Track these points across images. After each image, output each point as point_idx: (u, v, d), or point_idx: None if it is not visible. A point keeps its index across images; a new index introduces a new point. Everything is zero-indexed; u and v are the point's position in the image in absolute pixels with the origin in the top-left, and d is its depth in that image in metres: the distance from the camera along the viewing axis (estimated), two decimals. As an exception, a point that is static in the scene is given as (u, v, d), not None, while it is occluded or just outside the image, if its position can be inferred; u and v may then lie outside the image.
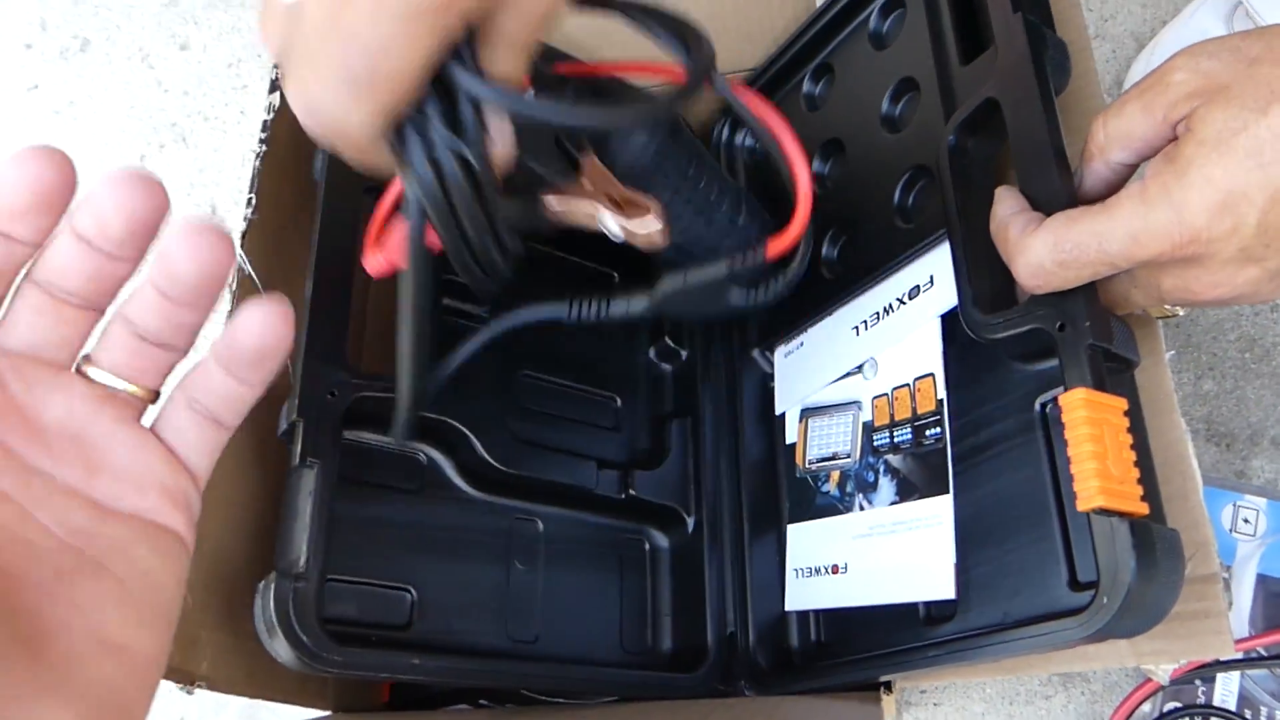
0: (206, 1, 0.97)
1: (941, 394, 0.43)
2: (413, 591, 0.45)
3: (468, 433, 0.47)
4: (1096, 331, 0.35)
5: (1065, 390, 0.34)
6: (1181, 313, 0.40)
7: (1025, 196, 0.38)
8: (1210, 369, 0.58)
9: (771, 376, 0.55)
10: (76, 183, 0.27)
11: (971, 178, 0.42)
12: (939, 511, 0.42)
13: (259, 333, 0.28)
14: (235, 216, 0.85)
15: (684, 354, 0.57)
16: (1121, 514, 0.32)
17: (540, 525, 0.50)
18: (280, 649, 0.38)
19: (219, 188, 0.88)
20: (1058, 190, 0.37)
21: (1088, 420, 0.33)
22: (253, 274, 0.46)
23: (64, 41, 0.99)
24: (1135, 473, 0.33)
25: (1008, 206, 0.37)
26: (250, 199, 0.48)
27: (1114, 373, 0.35)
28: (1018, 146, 0.39)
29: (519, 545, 0.49)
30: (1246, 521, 0.54)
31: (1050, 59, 0.40)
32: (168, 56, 0.96)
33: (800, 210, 0.43)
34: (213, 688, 0.41)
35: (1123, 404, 0.34)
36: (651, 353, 0.57)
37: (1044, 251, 0.35)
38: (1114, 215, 0.34)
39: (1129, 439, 0.33)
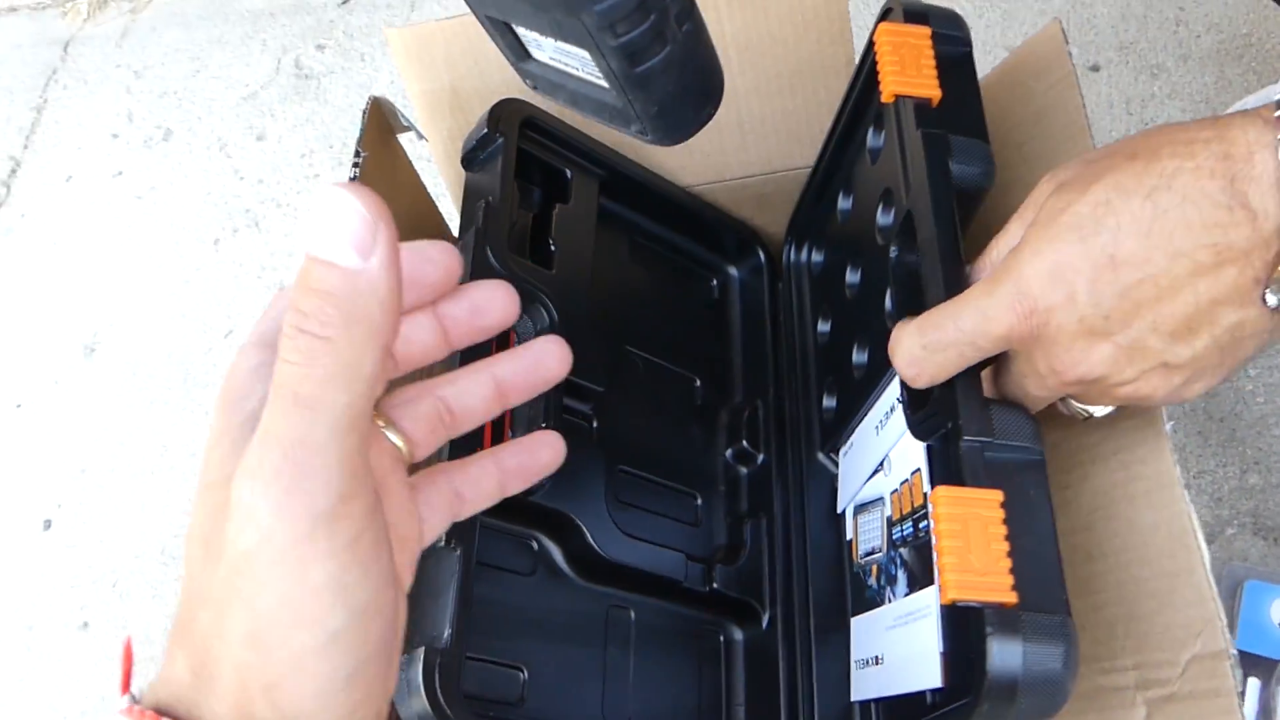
0: (282, 95, 1.04)
1: (926, 488, 0.45)
2: (524, 670, 0.48)
3: (579, 522, 0.50)
4: (970, 427, 0.37)
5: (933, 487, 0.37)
6: (1098, 414, 0.40)
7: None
8: (1255, 463, 0.62)
9: (837, 477, 0.59)
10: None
11: (913, 281, 0.45)
12: (928, 603, 0.44)
13: (547, 454, 0.33)
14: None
15: (760, 458, 0.61)
16: (984, 604, 0.34)
17: (632, 614, 0.54)
18: (417, 717, 0.41)
19: (289, 271, 0.93)
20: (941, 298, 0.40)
21: (948, 516, 0.36)
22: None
23: (148, 131, 1.05)
24: (1005, 563, 0.35)
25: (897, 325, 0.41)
26: None
27: (1008, 464, 0.37)
28: (923, 256, 0.43)
29: (614, 632, 0.53)
30: (1296, 617, 0.58)
31: (964, 165, 0.44)
32: (245, 146, 1.02)
33: None
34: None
35: (997, 496, 0.36)
36: (729, 454, 0.62)
37: (912, 340, 0.39)
38: (966, 298, 0.38)
39: (1002, 530, 0.35)
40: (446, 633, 0.42)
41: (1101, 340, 0.35)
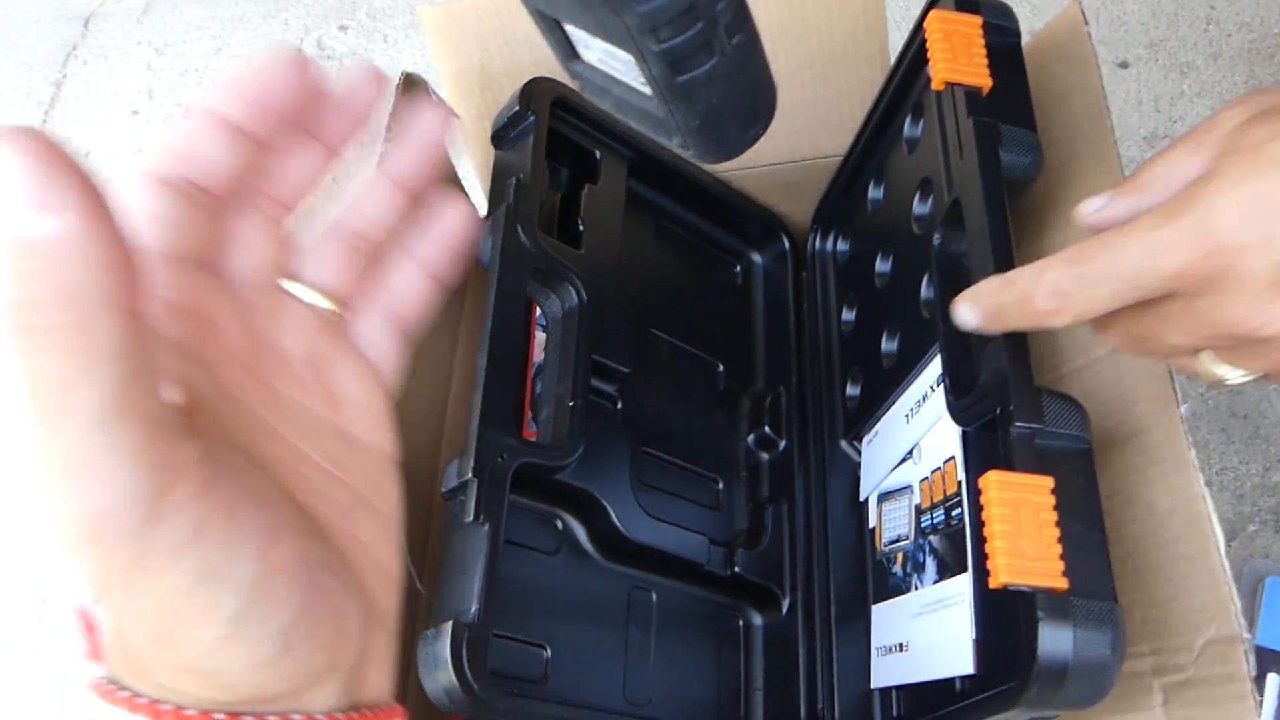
0: (306, 80, 1.04)
1: (961, 475, 0.45)
2: (547, 649, 0.48)
3: (604, 502, 0.50)
4: (1022, 414, 0.37)
5: (976, 475, 0.37)
6: (1234, 379, 0.36)
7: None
8: (1278, 461, 0.62)
9: (859, 465, 0.59)
10: (322, 99, 0.27)
11: (958, 270, 0.45)
12: (961, 589, 0.44)
13: (465, 227, 0.29)
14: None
15: (782, 444, 0.61)
16: (1035, 589, 0.34)
17: (654, 595, 0.54)
18: (443, 691, 0.41)
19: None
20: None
21: (999, 501, 0.35)
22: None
23: (169, 108, 1.05)
24: (1056, 549, 0.35)
25: (1007, 273, 0.37)
26: None
27: (1058, 452, 0.37)
28: (973, 244, 0.42)
29: (636, 613, 0.53)
30: (1321, 619, 0.58)
31: (1013, 154, 0.44)
32: (267, 129, 1.02)
33: None
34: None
35: (1048, 483, 0.36)
36: (751, 439, 0.62)
37: (1061, 272, 0.34)
38: (1132, 227, 0.32)
39: (1053, 516, 0.35)
40: (474, 608, 0.42)
41: None
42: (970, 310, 0.39)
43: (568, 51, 0.36)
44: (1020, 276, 0.36)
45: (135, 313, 0.20)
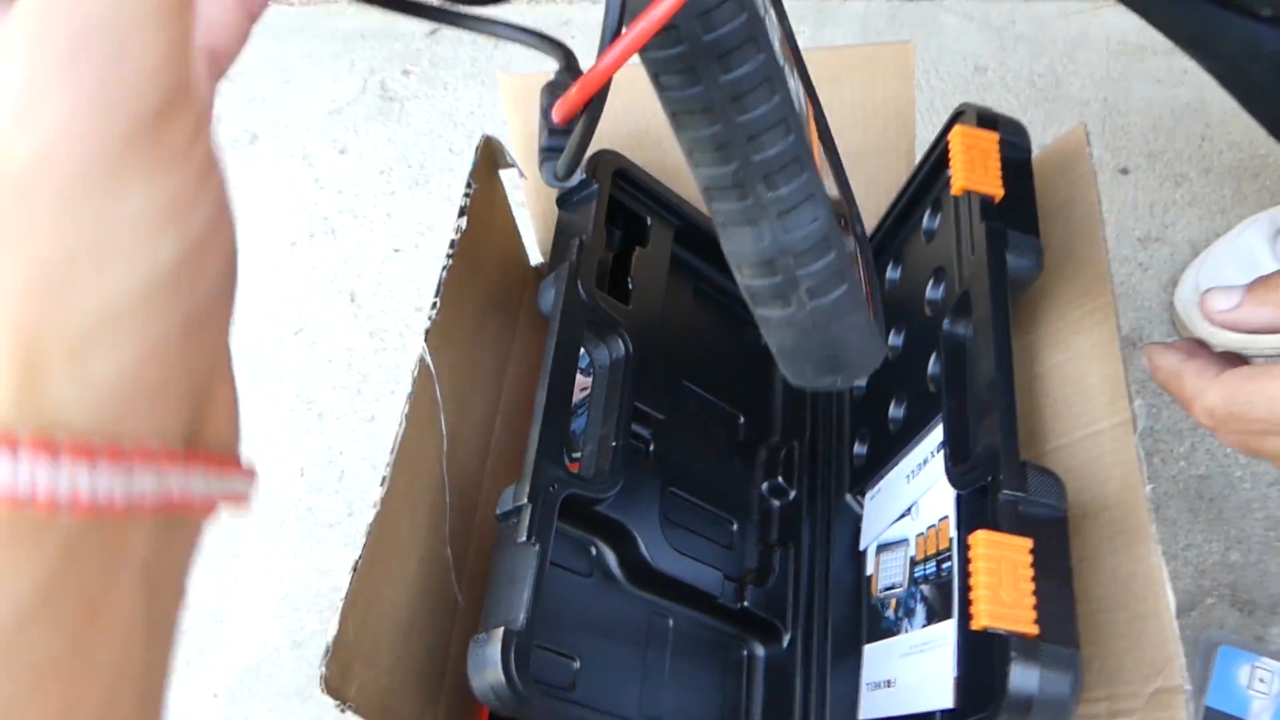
0: (366, 114, 1.11)
1: (953, 533, 0.51)
2: (577, 661, 0.54)
3: (635, 533, 0.57)
4: (1009, 483, 0.44)
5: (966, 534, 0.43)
6: None
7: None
8: (1238, 542, 0.68)
9: (861, 518, 0.65)
10: None
11: (962, 354, 0.52)
12: (946, 633, 0.50)
13: None
14: (372, 307, 0.96)
15: (792, 494, 0.68)
16: (1010, 632, 0.40)
17: (671, 621, 0.60)
18: (490, 688, 0.47)
19: (360, 279, 1.00)
20: (995, 383, 0.47)
21: (985, 556, 0.42)
22: (431, 364, 0.56)
23: (235, 133, 1.12)
24: (1030, 600, 0.41)
25: (1171, 358, 0.43)
26: (435, 302, 0.57)
27: (1037, 518, 0.44)
28: (978, 332, 0.50)
29: (655, 636, 0.59)
30: (1262, 681, 0.64)
31: (1018, 257, 0.51)
32: (327, 158, 1.09)
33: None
34: (355, 711, 0.49)
35: (1027, 544, 0.42)
36: (765, 487, 0.68)
37: (1219, 400, 0.40)
38: None
39: (1030, 572, 0.42)
40: (522, 617, 0.48)
41: None
42: (1150, 363, 0.45)
43: None
44: (1188, 382, 0.42)
45: None
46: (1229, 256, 0.75)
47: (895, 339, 0.65)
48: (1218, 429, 0.42)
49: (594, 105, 0.30)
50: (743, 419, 0.69)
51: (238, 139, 1.11)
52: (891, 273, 0.67)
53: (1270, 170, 0.81)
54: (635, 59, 0.28)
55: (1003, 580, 0.41)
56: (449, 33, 1.16)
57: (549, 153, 0.33)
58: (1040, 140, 0.90)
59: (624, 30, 0.27)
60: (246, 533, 0.86)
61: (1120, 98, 0.90)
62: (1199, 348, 0.44)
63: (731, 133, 0.30)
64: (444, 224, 1.00)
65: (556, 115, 0.30)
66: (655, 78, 0.30)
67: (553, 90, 0.35)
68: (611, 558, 0.58)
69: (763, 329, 0.34)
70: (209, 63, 0.25)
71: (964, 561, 0.45)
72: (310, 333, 0.96)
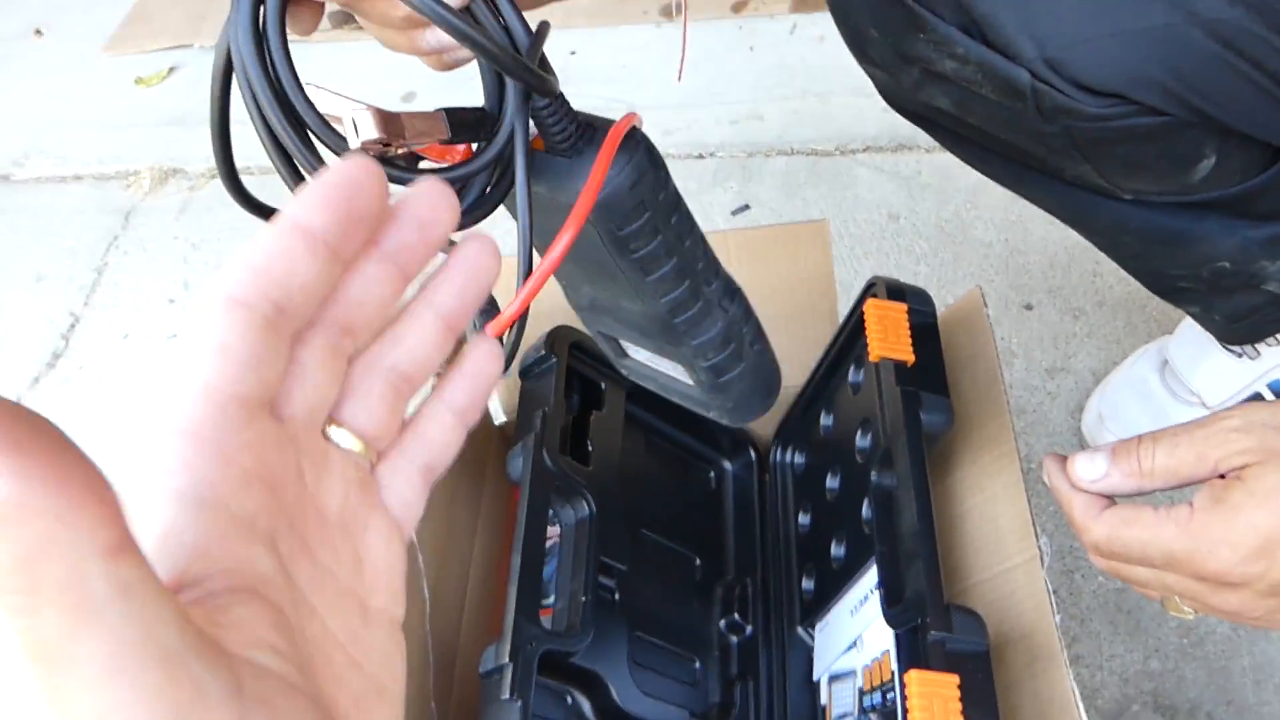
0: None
1: (894, 666, 0.56)
2: (557, 806, 0.58)
3: (607, 681, 0.61)
4: (935, 625, 0.50)
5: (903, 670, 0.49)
6: (1192, 616, 0.48)
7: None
8: (1156, 650, 0.75)
9: (813, 649, 0.71)
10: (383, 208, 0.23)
11: (890, 502, 0.58)
12: None
13: (496, 370, 0.27)
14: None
15: (748, 629, 0.73)
16: None
17: (642, 760, 0.64)
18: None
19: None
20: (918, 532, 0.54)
21: (919, 694, 0.48)
22: (414, 537, 0.61)
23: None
24: None
25: (1064, 482, 0.48)
26: None
27: (964, 654, 0.50)
28: (900, 484, 0.56)
29: (628, 775, 0.63)
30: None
31: (931, 414, 0.58)
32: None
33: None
34: None
35: (955, 679, 0.48)
36: (723, 624, 0.73)
37: (1101, 539, 0.46)
38: (1161, 533, 0.43)
39: (958, 706, 0.47)
40: (507, 771, 0.52)
41: (1272, 599, 0.41)
42: (1048, 480, 0.50)
43: (619, 353, 0.50)
44: (1077, 513, 0.47)
45: (128, 543, 0.17)
46: (1125, 386, 0.83)
47: (832, 482, 0.71)
48: (1096, 557, 0.48)
49: (518, 326, 0.41)
50: (698, 560, 0.75)
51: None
52: (825, 419, 0.74)
53: (1155, 303, 0.90)
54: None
55: (935, 714, 0.47)
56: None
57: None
58: (950, 278, 0.99)
59: (533, 270, 0.35)
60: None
61: (1019, 238, 1.00)
62: None
63: (685, 260, 0.42)
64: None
65: (491, 333, 0.37)
66: (619, 254, 0.40)
67: (484, 314, 0.44)
68: (586, 705, 0.62)
69: (722, 395, 0.45)
70: (424, 475, 0.26)
71: (903, 697, 0.50)
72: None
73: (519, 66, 0.34)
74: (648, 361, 0.48)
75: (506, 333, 0.41)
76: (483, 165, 0.37)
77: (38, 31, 1.66)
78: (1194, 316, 0.71)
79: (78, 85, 1.53)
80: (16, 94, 1.55)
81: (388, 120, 0.34)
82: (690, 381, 0.47)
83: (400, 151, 0.36)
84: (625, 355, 0.49)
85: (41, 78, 1.57)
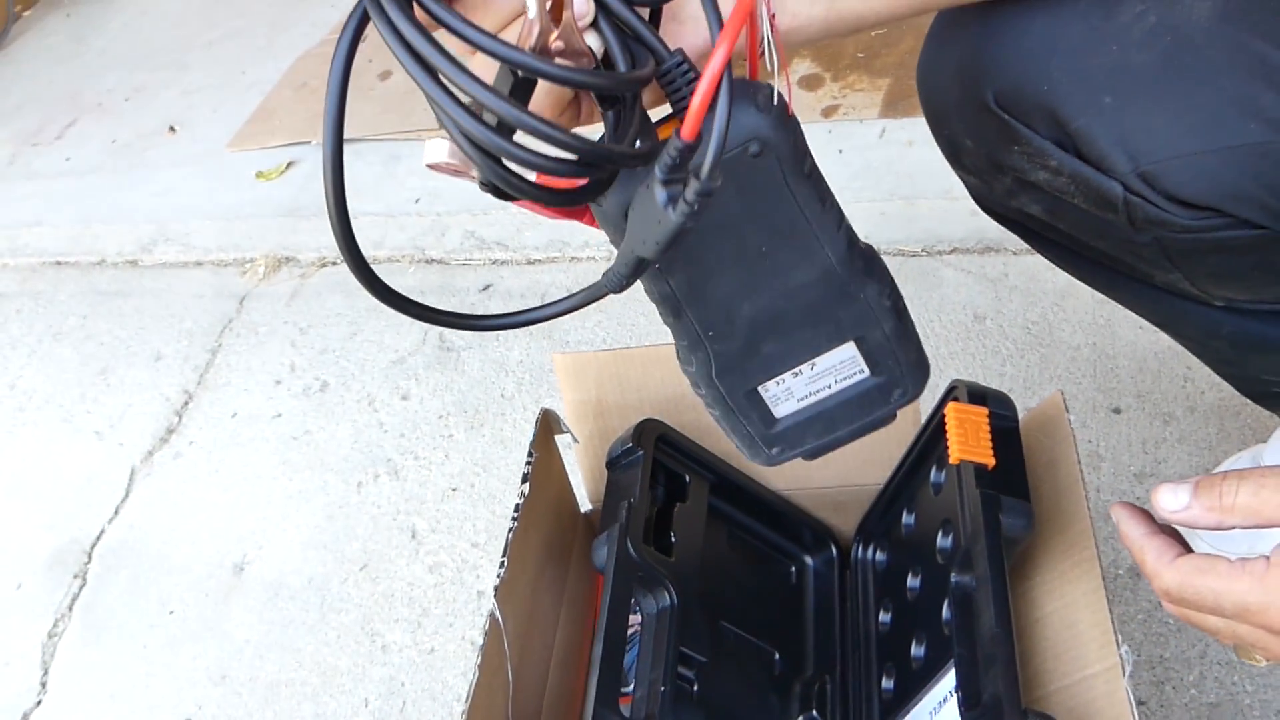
0: (426, 363, 1.23)
1: None
2: None
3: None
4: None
5: None
6: (1264, 664, 0.50)
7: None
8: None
9: (896, 756, 0.70)
10: None
11: (970, 604, 0.58)
12: None
13: None
14: (432, 543, 1.05)
15: (826, 726, 0.73)
16: None
17: None
18: None
19: (420, 516, 1.09)
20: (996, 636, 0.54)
21: None
22: (500, 617, 0.63)
23: (308, 381, 1.24)
24: None
25: (1136, 529, 0.49)
26: (503, 561, 0.65)
27: None
28: (979, 588, 0.56)
29: None
30: None
31: (1011, 518, 0.58)
32: (390, 403, 1.20)
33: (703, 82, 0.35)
34: None
35: None
36: (800, 721, 0.73)
37: (1173, 586, 0.46)
38: (1235, 584, 0.43)
39: None
40: None
41: None
42: (1120, 528, 0.50)
43: (768, 421, 0.52)
44: (1149, 561, 0.48)
45: None
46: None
47: (913, 580, 0.72)
48: (1168, 604, 0.48)
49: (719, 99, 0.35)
50: (778, 655, 0.75)
51: (309, 386, 1.23)
52: (907, 518, 0.75)
53: (1249, 409, 0.89)
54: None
55: None
56: (500, 288, 1.29)
57: (673, 185, 0.37)
58: (1036, 380, 1.00)
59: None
60: (312, 766, 0.91)
61: (1108, 342, 1.00)
62: (1160, 528, 0.49)
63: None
64: (497, 465, 1.10)
65: (685, 133, 0.35)
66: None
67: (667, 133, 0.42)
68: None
69: (907, 343, 0.48)
70: None
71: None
72: (374, 568, 1.04)
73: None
74: (804, 400, 0.50)
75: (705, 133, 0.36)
76: None
77: (171, 129, 1.80)
78: (1288, 423, 0.71)
79: (204, 178, 1.64)
80: (150, 185, 1.67)
81: None
82: (861, 372, 0.49)
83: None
84: (774, 420, 0.51)
85: (172, 171, 1.69)
